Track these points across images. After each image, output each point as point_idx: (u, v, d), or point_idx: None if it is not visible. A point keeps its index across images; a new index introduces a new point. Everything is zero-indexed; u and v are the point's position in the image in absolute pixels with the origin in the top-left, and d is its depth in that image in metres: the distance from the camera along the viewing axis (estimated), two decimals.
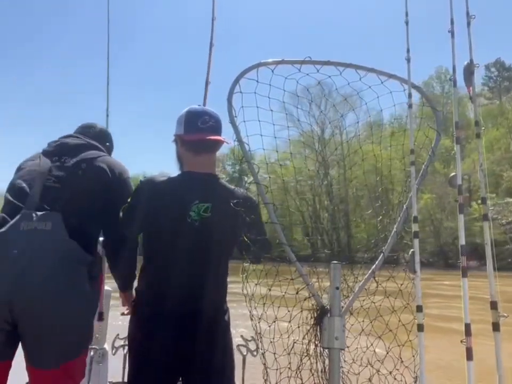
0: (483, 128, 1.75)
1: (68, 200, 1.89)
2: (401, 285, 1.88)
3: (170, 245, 1.95)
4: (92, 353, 2.32)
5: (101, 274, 1.96)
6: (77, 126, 2.38)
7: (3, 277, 1.64)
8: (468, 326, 1.52)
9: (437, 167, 36.50)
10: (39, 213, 1.79)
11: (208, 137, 2.01)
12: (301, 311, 1.82)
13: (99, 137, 2.29)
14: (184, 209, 1.95)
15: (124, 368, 2.43)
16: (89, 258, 1.79)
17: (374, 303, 1.94)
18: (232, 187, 2.07)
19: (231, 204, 1.88)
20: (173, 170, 2.22)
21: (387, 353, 1.91)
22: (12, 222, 1.77)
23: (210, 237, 1.94)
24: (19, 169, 2.07)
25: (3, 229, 1.74)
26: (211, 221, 1.95)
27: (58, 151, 2.08)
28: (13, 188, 1.96)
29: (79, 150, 2.09)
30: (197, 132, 2.01)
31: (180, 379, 2.02)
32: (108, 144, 2.37)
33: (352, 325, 1.93)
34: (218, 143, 2.07)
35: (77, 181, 1.97)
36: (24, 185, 1.93)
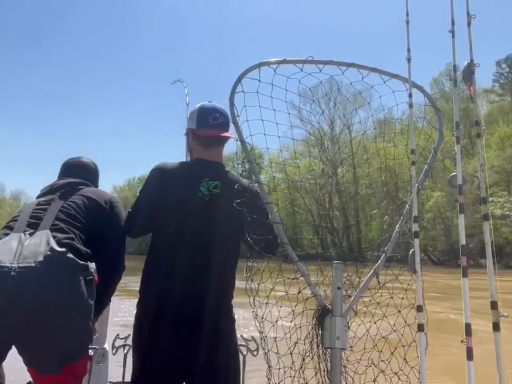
0: (483, 128, 1.75)
1: (54, 221, 1.93)
2: (408, 285, 1.89)
3: (180, 219, 2.03)
4: (91, 353, 2.33)
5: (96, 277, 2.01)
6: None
7: None
8: (468, 326, 1.52)
9: (447, 164, 36.21)
10: (27, 233, 1.84)
11: (218, 133, 2.16)
12: (303, 311, 1.83)
13: (89, 178, 2.37)
14: (194, 185, 2.07)
15: (124, 368, 2.45)
16: (82, 263, 1.80)
17: (378, 303, 1.95)
18: (239, 176, 2.19)
19: (236, 185, 2.00)
20: None
21: (391, 353, 1.92)
22: (1, 240, 1.80)
23: (219, 212, 2.02)
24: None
25: None
26: (220, 197, 2.05)
27: (48, 190, 2.19)
28: (6, 224, 2.02)
29: (68, 185, 2.19)
30: (208, 127, 2.16)
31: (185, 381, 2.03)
32: (97, 181, 2.49)
33: (359, 325, 1.94)
34: (227, 138, 2.21)
35: (63, 205, 2.03)
36: (15, 217, 2.02)
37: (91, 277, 1.84)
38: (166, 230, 2.06)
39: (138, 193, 2.23)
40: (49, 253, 1.72)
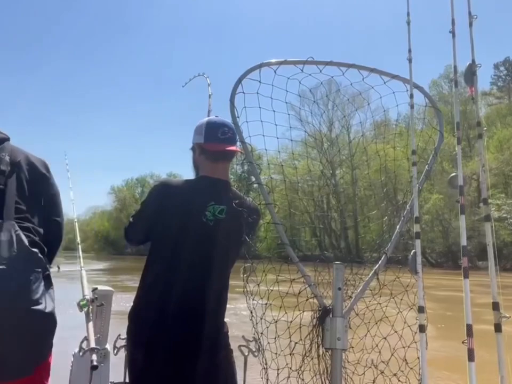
0: (485, 128, 1.75)
1: (16, 206, 1.80)
2: (407, 286, 1.89)
3: (182, 242, 1.99)
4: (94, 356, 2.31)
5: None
6: None
7: None
8: (469, 327, 1.51)
9: (445, 166, 36.21)
10: None
11: (227, 148, 2.12)
12: (303, 311, 1.82)
13: None
14: (200, 208, 2.02)
15: (125, 368, 2.43)
16: (44, 261, 1.76)
17: (380, 304, 1.94)
18: (243, 196, 2.16)
19: (233, 203, 1.96)
20: (182, 171, 2.29)
21: (392, 354, 1.92)
22: None
23: (222, 238, 1.99)
24: None
25: None
26: (224, 223, 2.01)
27: None
28: None
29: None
30: (217, 142, 2.11)
31: None
32: None
33: (358, 326, 1.94)
34: (235, 153, 2.18)
35: (18, 184, 1.85)
36: None
37: (48, 272, 1.78)
38: (166, 250, 2.02)
39: (140, 205, 2.19)
40: (22, 253, 1.67)
